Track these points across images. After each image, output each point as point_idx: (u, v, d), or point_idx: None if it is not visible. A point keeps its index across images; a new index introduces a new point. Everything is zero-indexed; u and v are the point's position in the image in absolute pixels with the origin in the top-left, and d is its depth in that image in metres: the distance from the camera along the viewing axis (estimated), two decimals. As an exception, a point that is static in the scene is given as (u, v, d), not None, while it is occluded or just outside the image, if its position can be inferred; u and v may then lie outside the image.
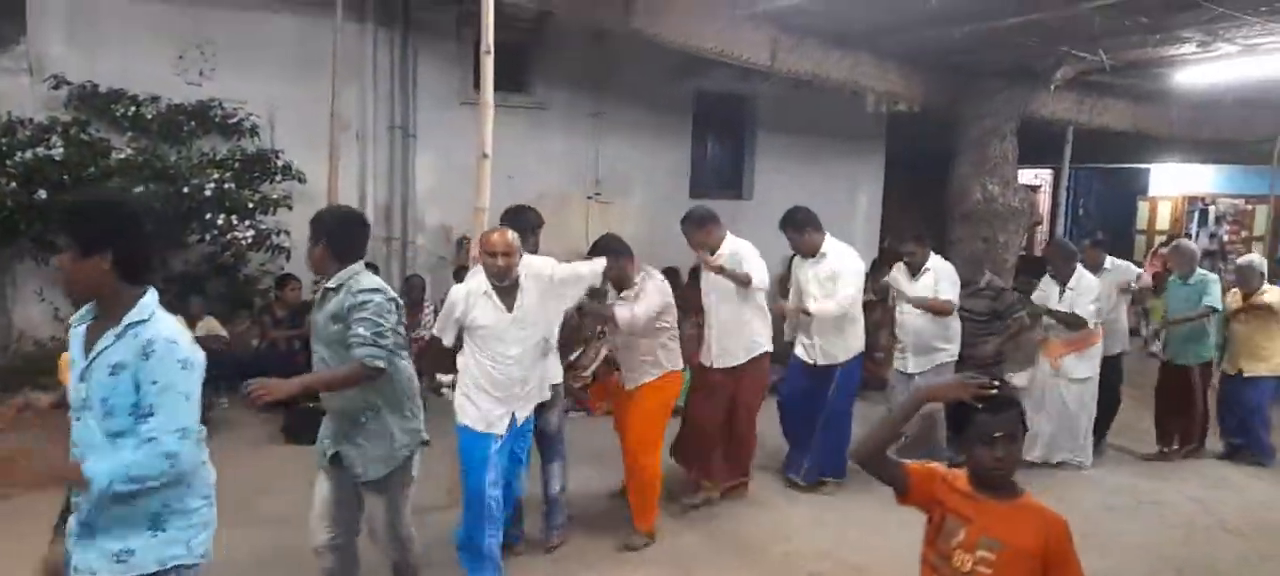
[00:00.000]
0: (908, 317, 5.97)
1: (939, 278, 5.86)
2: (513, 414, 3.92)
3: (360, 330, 3.17)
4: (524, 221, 4.39)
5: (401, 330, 3.36)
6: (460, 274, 7.45)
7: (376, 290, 3.27)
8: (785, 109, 10.23)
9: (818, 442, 5.56)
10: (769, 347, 5.25)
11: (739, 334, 5.12)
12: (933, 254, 6.00)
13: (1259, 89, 8.88)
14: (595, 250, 4.59)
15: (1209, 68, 8.06)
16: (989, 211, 8.68)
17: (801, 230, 5.44)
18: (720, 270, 4.98)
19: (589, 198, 9.48)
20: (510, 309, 3.86)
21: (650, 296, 4.54)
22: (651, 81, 9.48)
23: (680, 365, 4.82)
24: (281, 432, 6.21)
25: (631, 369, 4.70)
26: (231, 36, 7.56)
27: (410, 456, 3.46)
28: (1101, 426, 6.60)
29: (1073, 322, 6.07)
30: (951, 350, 5.92)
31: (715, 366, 5.18)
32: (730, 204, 10.01)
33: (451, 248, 8.65)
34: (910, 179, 11.82)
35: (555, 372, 4.41)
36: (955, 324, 5.91)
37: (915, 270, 5.94)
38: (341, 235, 3.40)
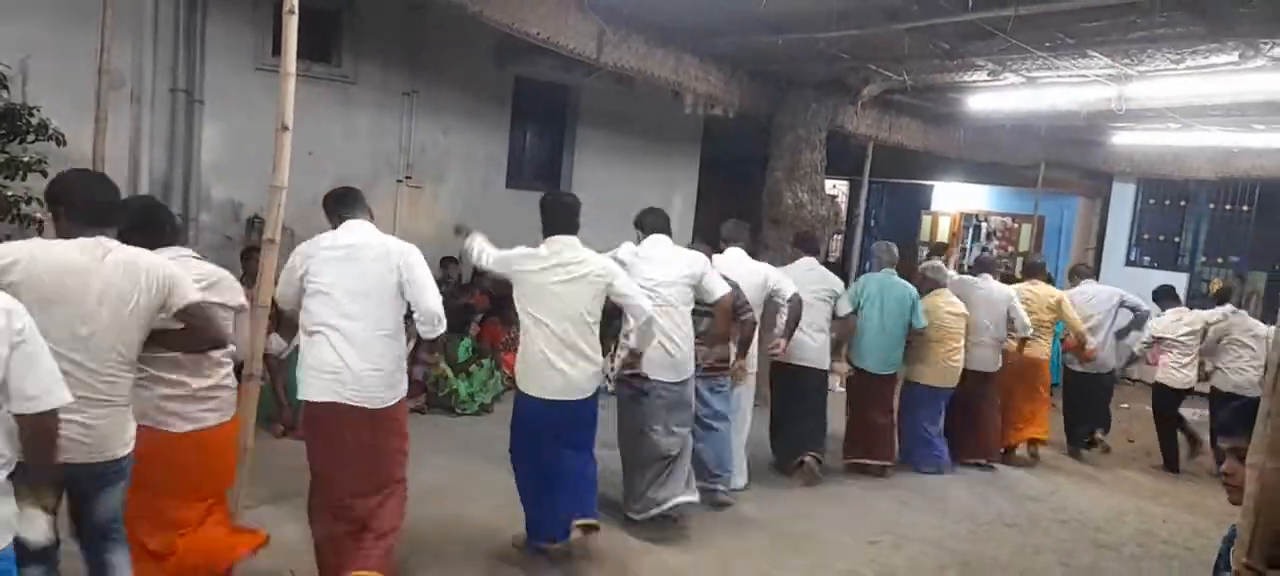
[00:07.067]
0: None
1: None
2: None
3: None
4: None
5: None
6: (250, 255, 6.77)
7: None
8: (607, 104, 10.16)
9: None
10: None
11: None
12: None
13: (1030, 119, 9.82)
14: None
15: (994, 96, 8.76)
16: (798, 217, 8.98)
17: None
18: None
19: (399, 180, 8.95)
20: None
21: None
22: (471, 64, 9.10)
23: None
24: None
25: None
26: (-24, -31, 6.45)
27: None
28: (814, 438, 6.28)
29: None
30: None
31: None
32: (548, 196, 9.81)
33: (240, 227, 7.88)
34: (723, 181, 12.11)
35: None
36: None
37: None
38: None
